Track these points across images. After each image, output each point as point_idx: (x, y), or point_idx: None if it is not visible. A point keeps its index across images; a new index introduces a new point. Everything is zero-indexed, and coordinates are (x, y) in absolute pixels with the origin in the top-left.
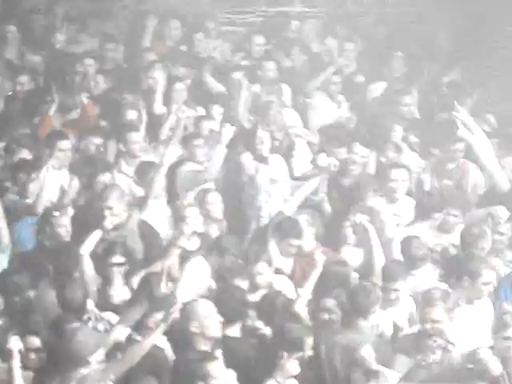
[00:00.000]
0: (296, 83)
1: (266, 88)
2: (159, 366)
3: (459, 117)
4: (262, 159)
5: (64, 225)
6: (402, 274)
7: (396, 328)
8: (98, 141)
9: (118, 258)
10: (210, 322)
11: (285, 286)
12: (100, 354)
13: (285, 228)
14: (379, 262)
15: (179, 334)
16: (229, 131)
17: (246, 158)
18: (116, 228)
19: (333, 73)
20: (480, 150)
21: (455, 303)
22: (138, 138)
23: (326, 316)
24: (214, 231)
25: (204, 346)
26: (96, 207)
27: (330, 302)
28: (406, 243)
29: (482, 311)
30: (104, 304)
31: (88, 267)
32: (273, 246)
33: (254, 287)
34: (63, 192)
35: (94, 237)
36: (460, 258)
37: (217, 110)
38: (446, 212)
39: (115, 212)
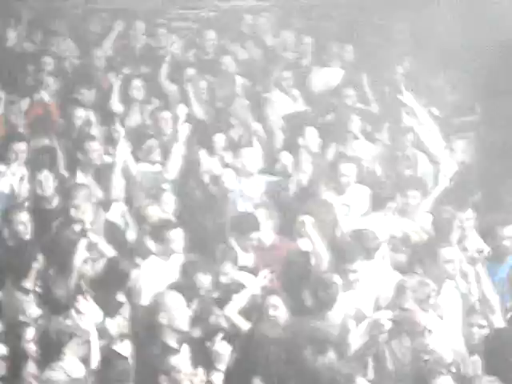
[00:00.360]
0: (252, 77)
1: (220, 81)
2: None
3: (405, 100)
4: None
5: (23, 222)
6: (358, 255)
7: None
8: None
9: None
10: (178, 313)
11: (248, 282)
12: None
13: (242, 223)
14: (324, 260)
15: (145, 328)
16: (185, 129)
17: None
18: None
19: (284, 68)
20: (425, 137)
21: (427, 293)
22: (96, 146)
23: (272, 312)
24: None
25: (170, 340)
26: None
27: (275, 299)
28: (357, 235)
29: (451, 294)
30: None
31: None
32: (233, 243)
33: (217, 285)
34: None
35: (82, 245)
36: (420, 243)
37: (182, 110)
38: (404, 195)
39: (82, 211)
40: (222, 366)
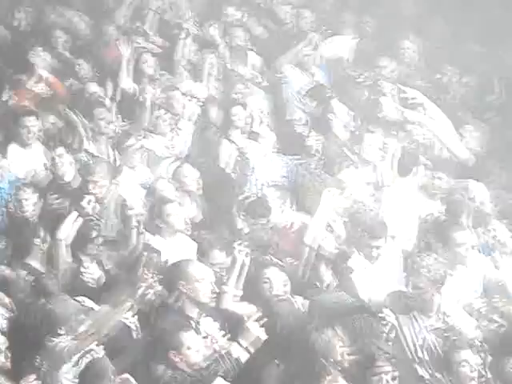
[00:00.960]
0: (268, 54)
1: (233, 56)
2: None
3: (408, 95)
4: (252, 135)
5: (27, 199)
6: (383, 233)
7: None
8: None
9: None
10: (198, 285)
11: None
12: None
13: (252, 207)
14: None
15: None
16: (195, 107)
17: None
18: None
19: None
20: (431, 126)
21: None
22: (104, 113)
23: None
24: (188, 204)
25: (190, 311)
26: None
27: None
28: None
29: (467, 276)
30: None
31: (63, 251)
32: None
33: None
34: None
35: (71, 219)
36: (438, 225)
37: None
38: (431, 175)
39: (99, 185)
40: (247, 344)
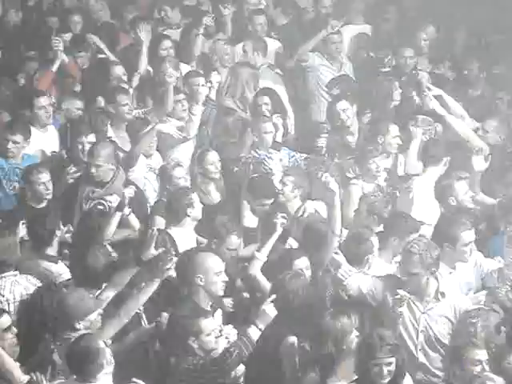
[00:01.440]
0: (291, 43)
1: (251, 45)
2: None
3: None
4: (274, 145)
5: (43, 183)
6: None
7: None
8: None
9: None
10: (216, 278)
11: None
12: (94, 316)
13: (256, 187)
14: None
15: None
16: (205, 90)
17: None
18: (102, 186)
19: (331, 32)
20: (451, 120)
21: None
22: (127, 99)
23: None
24: (213, 191)
25: (204, 303)
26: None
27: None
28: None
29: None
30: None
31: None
32: (245, 207)
33: None
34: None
35: (116, 220)
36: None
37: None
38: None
39: (102, 170)
40: (262, 326)
